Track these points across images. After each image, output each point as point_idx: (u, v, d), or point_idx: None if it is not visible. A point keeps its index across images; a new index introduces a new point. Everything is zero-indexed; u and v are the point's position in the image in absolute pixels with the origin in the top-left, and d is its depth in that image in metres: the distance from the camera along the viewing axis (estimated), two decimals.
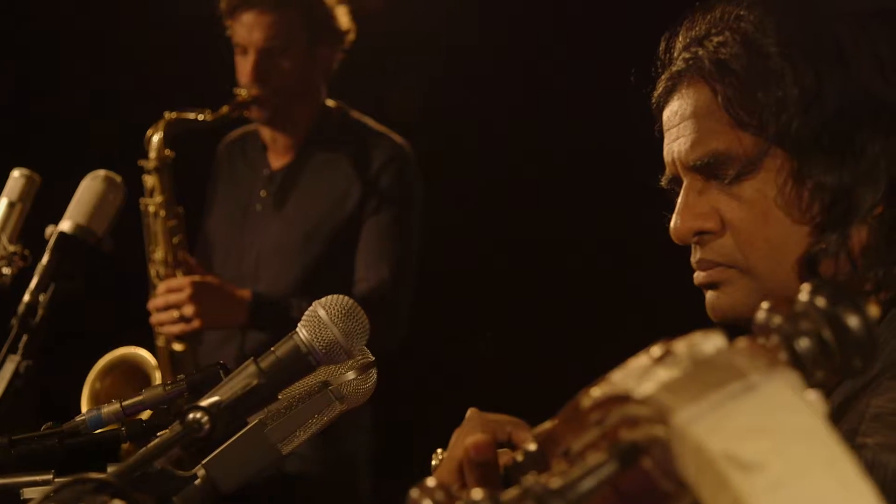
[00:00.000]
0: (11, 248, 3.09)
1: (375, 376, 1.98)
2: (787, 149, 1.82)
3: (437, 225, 4.77)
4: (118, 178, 3.36)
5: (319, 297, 4.40)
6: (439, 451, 1.99)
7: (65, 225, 3.17)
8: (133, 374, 3.97)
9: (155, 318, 4.22)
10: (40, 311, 3.07)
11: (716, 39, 1.88)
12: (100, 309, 4.82)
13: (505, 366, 5.36)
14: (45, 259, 3.10)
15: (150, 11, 5.63)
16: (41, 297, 3.07)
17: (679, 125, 1.91)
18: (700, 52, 1.89)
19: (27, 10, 5.84)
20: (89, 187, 3.27)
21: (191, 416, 1.56)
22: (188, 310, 4.14)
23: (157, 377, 3.98)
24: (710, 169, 1.88)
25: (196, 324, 4.16)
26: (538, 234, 5.59)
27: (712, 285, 1.91)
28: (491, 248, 5.62)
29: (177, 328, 4.18)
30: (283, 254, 4.41)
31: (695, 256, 1.92)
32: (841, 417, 1.71)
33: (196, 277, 4.22)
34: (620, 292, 5.31)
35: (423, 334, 4.55)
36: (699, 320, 1.89)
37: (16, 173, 3.25)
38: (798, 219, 1.83)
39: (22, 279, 3.10)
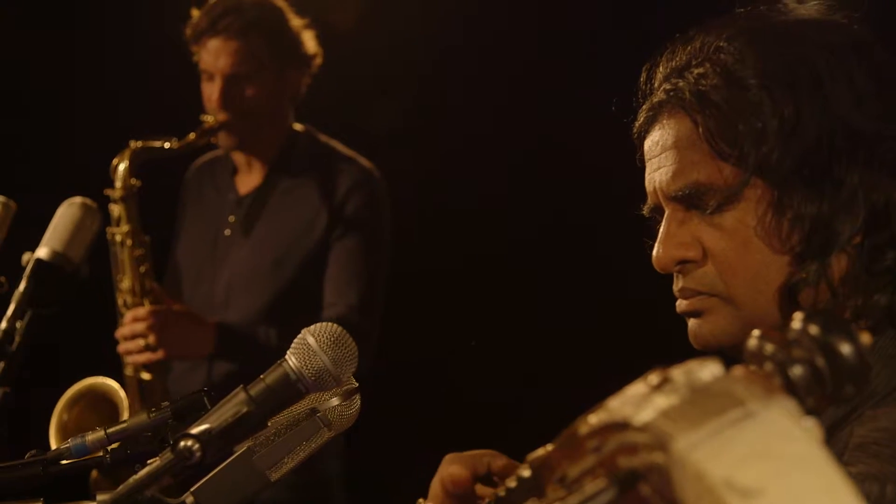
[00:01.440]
0: None
1: (359, 402, 1.99)
2: (767, 179, 1.84)
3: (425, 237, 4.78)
4: (94, 205, 3.36)
5: (289, 324, 4.41)
6: (421, 500, 2.01)
7: (42, 252, 3.17)
8: (101, 404, 3.95)
9: (121, 346, 4.21)
10: (17, 339, 3.07)
11: (696, 71, 1.90)
12: (68, 338, 4.82)
13: (479, 390, 5.38)
14: (21, 286, 3.10)
15: (120, 38, 5.63)
16: (18, 324, 3.07)
17: (660, 155, 1.93)
18: (680, 84, 1.91)
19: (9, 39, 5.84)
20: (66, 214, 3.27)
21: (182, 443, 1.56)
22: (153, 339, 4.14)
23: (126, 407, 3.96)
24: (691, 199, 1.90)
25: (161, 353, 4.15)
26: (531, 251, 5.63)
27: (694, 313, 1.93)
28: (477, 263, 5.63)
29: (142, 357, 4.18)
30: (252, 279, 4.40)
31: (677, 285, 1.94)
32: (825, 446, 1.72)
33: (162, 307, 4.21)
34: (612, 316, 5.34)
35: (398, 355, 4.56)
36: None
37: None
38: (778, 248, 1.85)
39: None
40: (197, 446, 1.56)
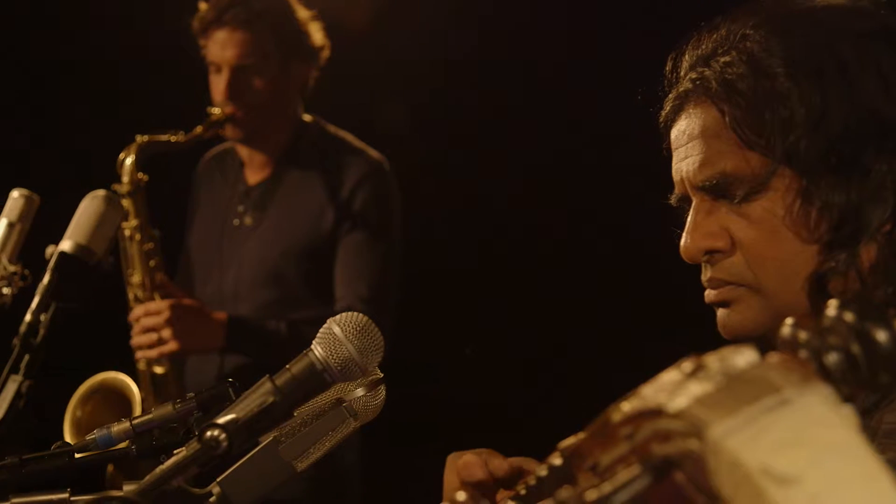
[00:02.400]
0: (11, 269, 3.10)
1: (384, 393, 1.99)
2: (795, 168, 1.83)
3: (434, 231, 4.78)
4: (117, 198, 3.36)
5: (299, 316, 4.38)
6: None
7: (65, 244, 3.17)
8: (114, 399, 3.96)
9: (134, 341, 4.22)
10: (41, 331, 3.07)
11: (722, 59, 1.89)
12: (82, 332, 4.82)
13: (495, 386, 5.38)
14: (45, 279, 3.10)
15: (126, 33, 5.64)
16: (42, 317, 3.07)
17: (687, 145, 1.92)
18: (706, 73, 1.90)
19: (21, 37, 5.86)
20: (89, 207, 3.28)
21: (208, 433, 1.56)
22: (164, 333, 4.14)
23: (138, 401, 3.97)
24: (718, 189, 1.89)
25: (172, 346, 4.16)
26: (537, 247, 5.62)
27: (723, 303, 1.92)
28: (491, 258, 5.63)
29: (153, 352, 4.18)
30: (261, 271, 4.41)
31: (705, 275, 1.93)
32: None
33: (172, 301, 4.22)
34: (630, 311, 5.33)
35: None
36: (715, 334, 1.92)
37: (15, 194, 3.26)
38: (807, 237, 1.84)
39: (23, 299, 3.10)
40: (224, 436, 1.56)
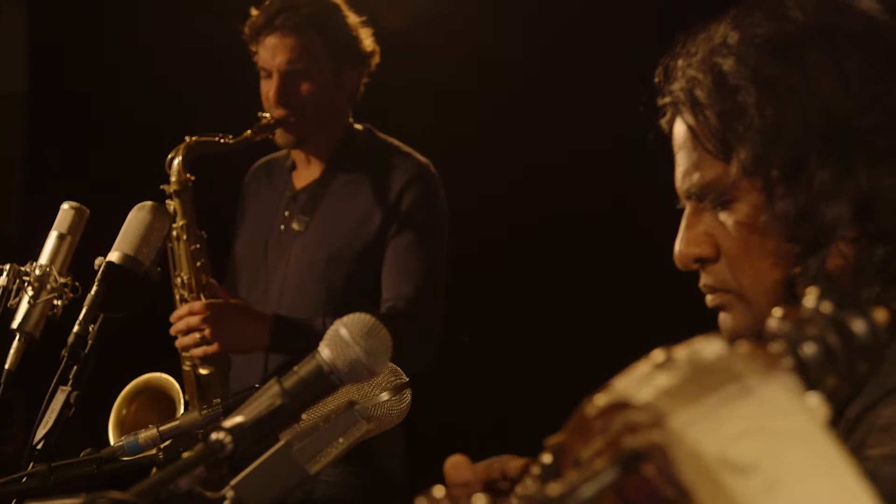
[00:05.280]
0: (62, 280, 3.13)
1: (409, 397, 1.99)
2: (757, 178, 1.84)
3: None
4: (164, 208, 3.39)
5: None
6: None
7: (113, 255, 3.21)
8: (159, 400, 3.98)
9: (179, 341, 4.23)
10: (89, 342, 3.11)
11: (689, 73, 1.92)
12: (128, 335, 4.85)
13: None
14: (93, 290, 3.14)
15: (180, 39, 5.69)
16: (90, 328, 3.11)
17: (677, 154, 1.98)
18: (676, 86, 1.94)
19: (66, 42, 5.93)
20: (136, 218, 3.31)
21: (213, 436, 1.57)
22: (209, 332, 4.16)
23: (182, 402, 3.99)
24: (699, 198, 1.93)
25: (216, 346, 4.17)
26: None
27: (720, 307, 1.97)
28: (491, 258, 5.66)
29: (198, 351, 4.20)
30: (307, 275, 4.41)
31: (700, 281, 1.96)
32: (854, 430, 1.71)
33: (217, 300, 4.24)
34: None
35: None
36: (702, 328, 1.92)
37: (65, 206, 3.29)
38: (776, 245, 1.87)
39: (72, 310, 3.13)
40: (229, 439, 1.57)
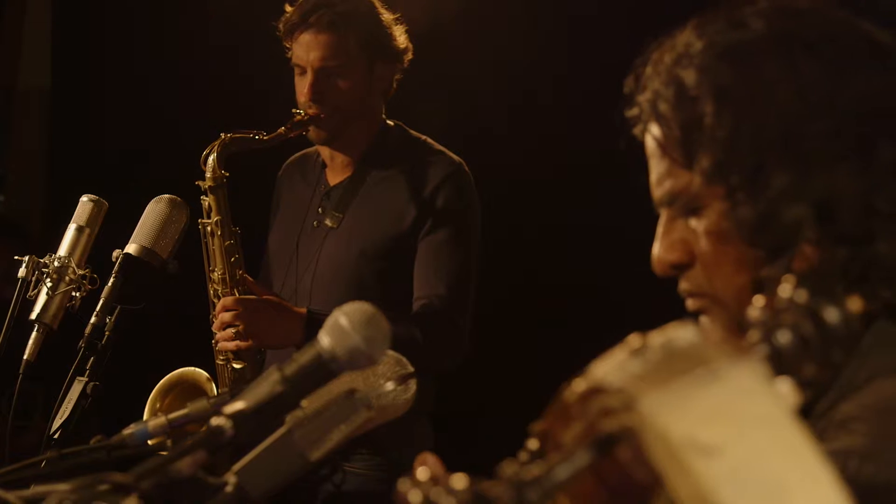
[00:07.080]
0: (80, 272, 3.16)
1: (415, 388, 2.01)
2: (720, 185, 1.86)
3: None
4: (182, 201, 3.41)
5: None
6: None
7: (130, 248, 3.23)
8: (192, 395, 4.01)
9: (216, 338, 4.27)
10: (106, 333, 3.13)
11: (654, 85, 1.93)
12: (161, 330, 4.88)
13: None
14: (110, 281, 3.16)
15: (207, 34, 5.71)
16: (107, 319, 3.14)
17: (650, 162, 1.99)
18: (642, 98, 1.95)
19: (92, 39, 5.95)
20: (154, 210, 3.34)
21: (213, 421, 1.59)
22: (242, 327, 4.19)
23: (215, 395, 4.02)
24: (669, 206, 1.95)
25: (249, 341, 4.21)
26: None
27: (699, 311, 1.97)
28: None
29: (231, 345, 4.23)
30: (339, 270, 4.43)
31: (679, 286, 1.98)
32: (816, 425, 1.72)
33: (250, 296, 4.27)
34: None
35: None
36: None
37: (84, 199, 3.32)
38: (743, 250, 1.87)
39: (89, 302, 3.16)
40: (229, 424, 1.60)
